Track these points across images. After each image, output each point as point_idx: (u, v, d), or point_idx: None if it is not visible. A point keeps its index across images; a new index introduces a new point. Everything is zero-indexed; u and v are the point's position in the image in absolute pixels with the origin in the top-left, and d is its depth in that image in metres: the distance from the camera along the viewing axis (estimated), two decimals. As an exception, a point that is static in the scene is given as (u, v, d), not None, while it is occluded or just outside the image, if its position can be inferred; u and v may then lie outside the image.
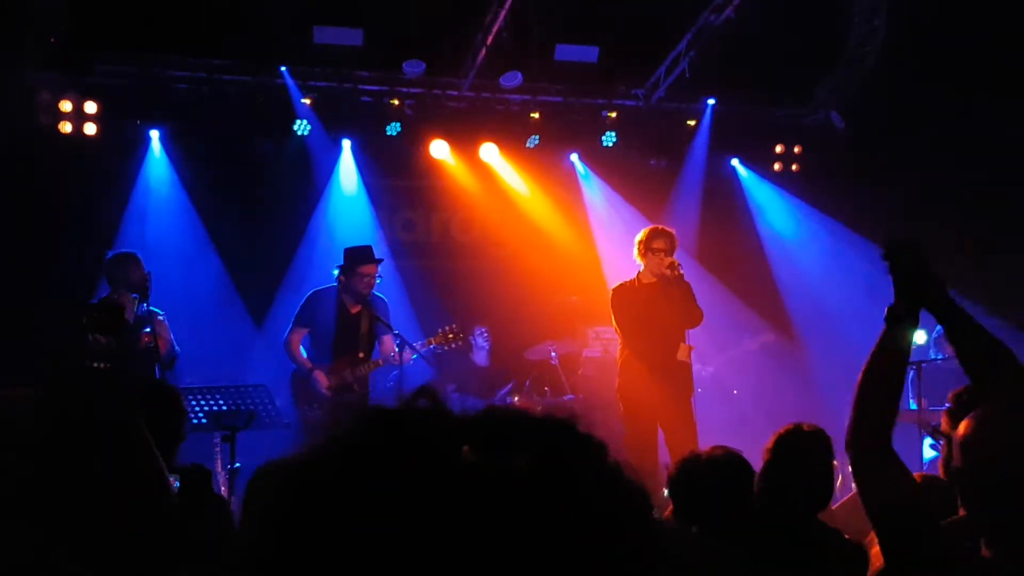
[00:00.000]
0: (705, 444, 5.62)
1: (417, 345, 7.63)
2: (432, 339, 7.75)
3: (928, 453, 7.24)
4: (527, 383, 9.16)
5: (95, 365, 6.15)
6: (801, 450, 3.43)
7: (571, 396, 8.96)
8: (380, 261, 7.74)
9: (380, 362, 7.67)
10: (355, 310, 7.72)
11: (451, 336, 7.76)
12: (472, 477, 0.81)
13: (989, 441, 2.16)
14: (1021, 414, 2.21)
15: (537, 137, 10.23)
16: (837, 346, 9.77)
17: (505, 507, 0.79)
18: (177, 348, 7.38)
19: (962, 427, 2.21)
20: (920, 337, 8.30)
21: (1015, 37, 8.35)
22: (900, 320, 2.42)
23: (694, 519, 3.11)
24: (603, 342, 8.90)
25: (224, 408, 6.60)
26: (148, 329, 6.84)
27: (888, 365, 2.40)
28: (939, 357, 7.83)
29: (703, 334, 8.03)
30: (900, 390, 2.41)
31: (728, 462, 3.38)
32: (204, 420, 6.61)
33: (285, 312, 8.41)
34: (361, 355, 7.64)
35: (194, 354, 7.85)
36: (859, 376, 2.40)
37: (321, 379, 7.52)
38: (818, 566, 3.20)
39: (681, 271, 7.10)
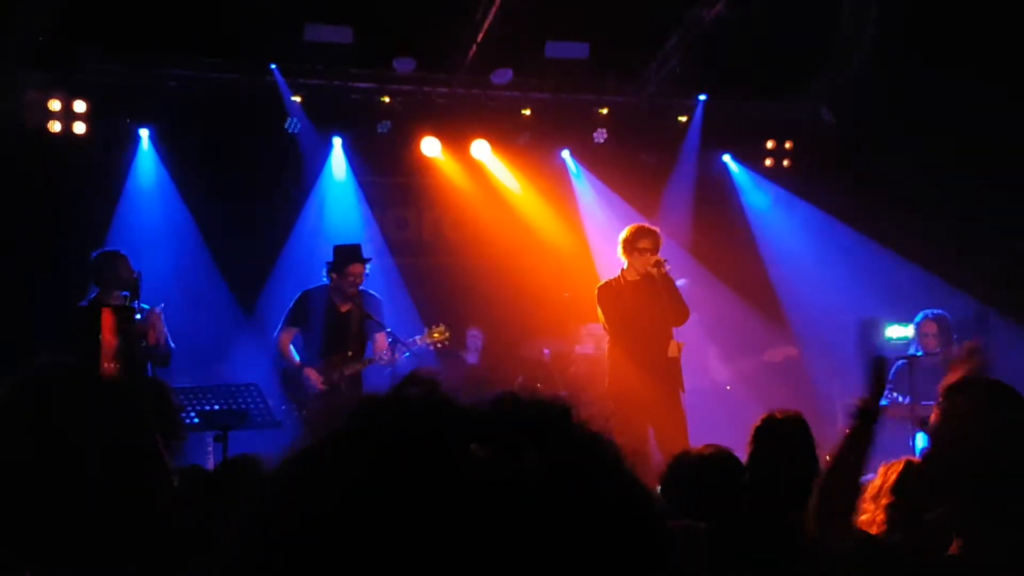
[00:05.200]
0: (696, 441, 5.63)
1: (408, 342, 7.63)
2: (422, 337, 7.74)
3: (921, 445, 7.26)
4: (519, 380, 9.16)
5: (106, 366, 6.15)
6: (780, 437, 3.49)
7: (563, 393, 8.96)
8: (368, 261, 7.73)
9: (368, 361, 7.65)
10: (345, 308, 7.71)
11: (436, 335, 7.75)
12: (483, 477, 0.76)
13: (957, 430, 2.18)
14: (987, 404, 2.23)
15: (529, 133, 10.22)
16: (830, 339, 9.79)
17: (519, 509, 0.75)
18: (172, 344, 7.35)
19: (933, 416, 2.25)
20: (909, 331, 8.34)
21: (1007, 29, 8.35)
22: (869, 415, 2.49)
23: (685, 516, 3.11)
24: (595, 339, 8.90)
25: (216, 408, 6.58)
26: (139, 317, 6.81)
27: (857, 460, 2.47)
28: (919, 353, 7.91)
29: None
30: (862, 477, 2.47)
31: (718, 459, 3.40)
32: (196, 420, 6.59)
33: (276, 310, 8.39)
34: (350, 353, 7.62)
35: (184, 352, 7.81)
36: (829, 469, 2.47)
37: (312, 375, 7.51)
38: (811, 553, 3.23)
39: (667, 269, 7.09)
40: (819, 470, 3.68)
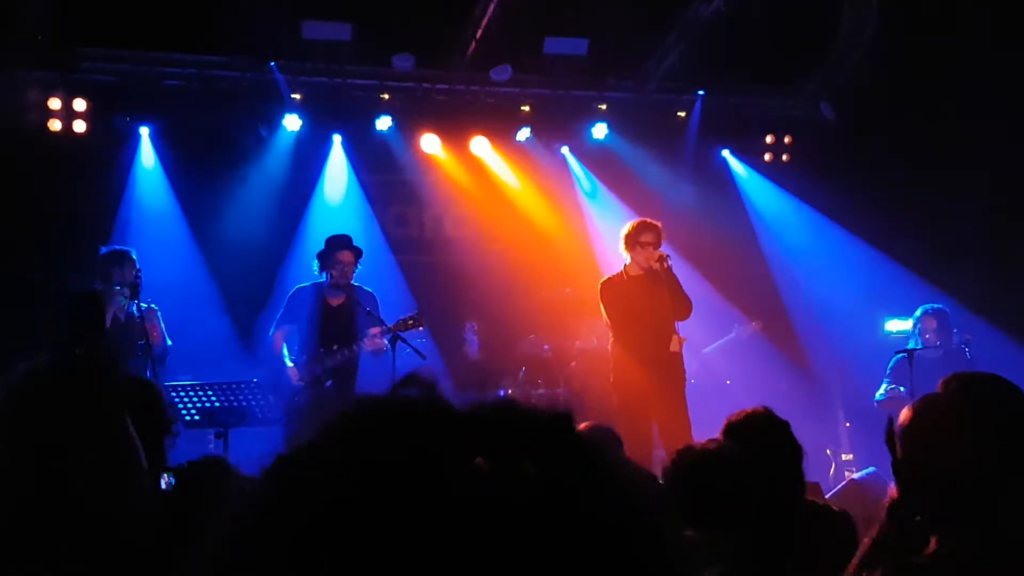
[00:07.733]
0: (699, 435, 5.65)
1: (384, 328, 7.50)
2: (391, 326, 7.54)
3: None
4: (521, 375, 9.18)
5: (78, 353, 6.14)
6: (754, 432, 3.55)
7: (564, 388, 8.97)
8: (358, 251, 7.71)
9: (354, 349, 7.50)
10: (337, 303, 7.68)
11: (411, 323, 7.63)
12: (478, 492, 0.74)
13: (926, 431, 2.16)
14: (958, 404, 2.21)
15: (528, 129, 10.22)
16: (828, 334, 9.81)
17: (514, 525, 0.73)
18: (169, 341, 7.37)
19: (902, 416, 2.22)
20: (909, 324, 8.36)
21: (1007, 28, 8.35)
22: (902, 512, 2.43)
23: (689, 511, 3.12)
24: (596, 334, 8.90)
25: (217, 404, 6.60)
26: (137, 315, 6.83)
27: (887, 554, 2.42)
28: (919, 347, 7.94)
29: (694, 326, 8.03)
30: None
31: (722, 454, 3.41)
32: (197, 417, 6.61)
33: (275, 307, 8.38)
34: (335, 347, 7.57)
35: (183, 351, 7.83)
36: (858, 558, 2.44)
37: (291, 373, 7.47)
38: (809, 541, 3.28)
39: (669, 263, 7.10)
40: (801, 456, 3.71)
